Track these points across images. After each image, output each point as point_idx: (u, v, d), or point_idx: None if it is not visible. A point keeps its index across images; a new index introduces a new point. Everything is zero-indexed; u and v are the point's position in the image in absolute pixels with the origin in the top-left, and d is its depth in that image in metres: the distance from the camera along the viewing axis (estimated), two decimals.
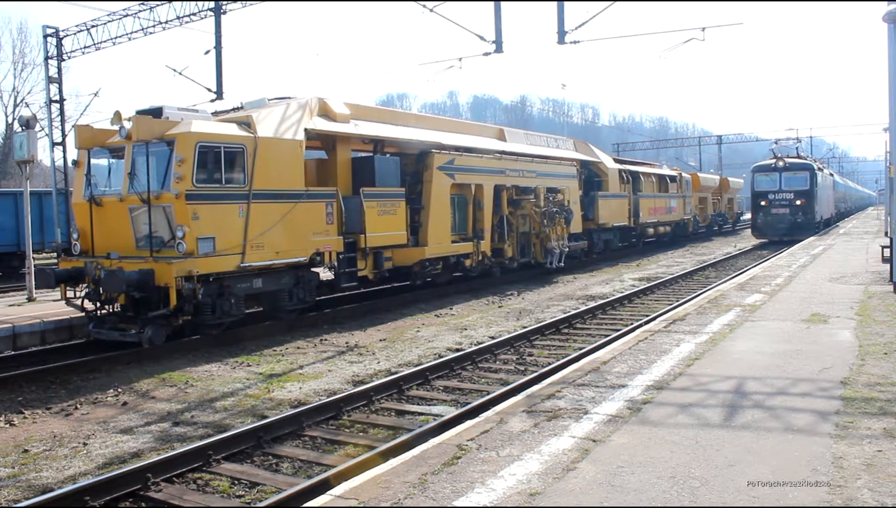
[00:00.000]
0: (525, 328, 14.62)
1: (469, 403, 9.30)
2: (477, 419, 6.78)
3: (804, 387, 7.41)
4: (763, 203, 37.19)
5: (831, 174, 52.40)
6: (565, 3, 16.85)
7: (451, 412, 8.96)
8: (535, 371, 10.95)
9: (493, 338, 13.83)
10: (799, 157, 40.46)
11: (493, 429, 6.37)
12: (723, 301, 13.66)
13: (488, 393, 9.74)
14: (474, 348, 12.64)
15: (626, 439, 5.99)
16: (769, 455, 5.50)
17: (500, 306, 18.41)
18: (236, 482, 7.18)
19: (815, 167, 38.26)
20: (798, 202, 36.32)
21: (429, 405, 9.74)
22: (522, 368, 11.63)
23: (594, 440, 5.96)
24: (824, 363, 8.45)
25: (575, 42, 17.06)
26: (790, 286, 15.47)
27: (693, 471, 5.24)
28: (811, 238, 33.83)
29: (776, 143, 42.30)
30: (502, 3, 17.06)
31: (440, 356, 12.39)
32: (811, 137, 73.16)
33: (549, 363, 11.52)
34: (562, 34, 16.87)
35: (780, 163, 37.10)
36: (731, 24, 21.60)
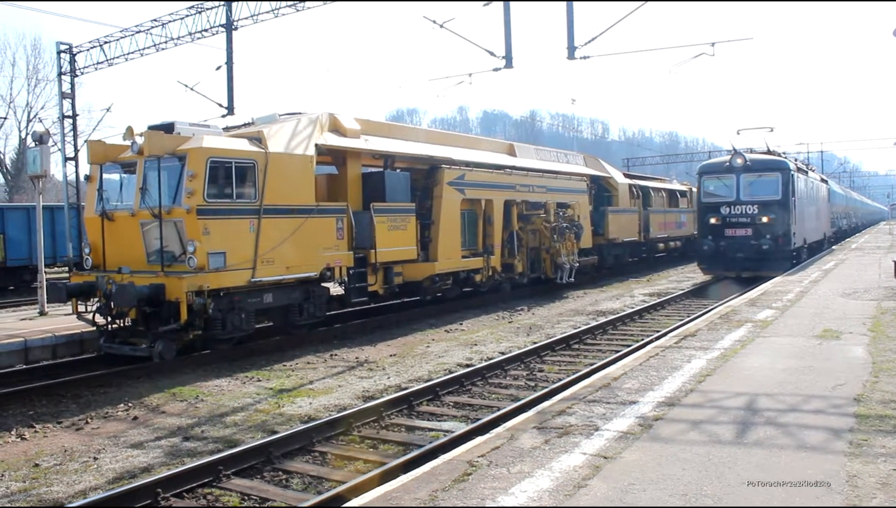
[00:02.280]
0: (535, 343, 14.58)
1: (479, 419, 9.27)
2: (487, 436, 6.75)
3: (817, 404, 7.35)
4: (713, 220, 24.81)
5: (824, 181, 38.62)
6: (575, 19, 16.87)
7: (461, 428, 8.93)
8: (546, 387, 10.91)
9: (503, 354, 13.79)
10: (769, 152, 27.56)
11: (504, 445, 6.34)
12: (734, 317, 13.60)
13: (499, 409, 9.70)
14: (484, 363, 12.61)
15: (637, 456, 5.95)
16: (782, 473, 5.45)
17: (510, 322, 18.36)
18: (246, 497, 7.16)
19: (793, 167, 25.73)
20: (764, 219, 24.01)
21: (439, 420, 9.71)
22: (533, 384, 11.59)
23: (605, 457, 5.92)
24: (837, 379, 8.38)
25: (585, 57, 17.07)
26: (802, 302, 15.39)
27: (705, 489, 5.20)
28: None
29: (738, 133, 29.50)
30: (512, 18, 17.10)
31: (450, 372, 12.36)
32: (822, 152, 73.06)
33: (560, 379, 11.48)
34: (572, 49, 16.89)
35: (739, 161, 24.59)
36: (740, 39, 21.79)
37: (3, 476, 8.00)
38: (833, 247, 38.92)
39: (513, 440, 6.51)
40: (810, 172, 32.27)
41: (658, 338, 13.59)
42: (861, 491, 5.06)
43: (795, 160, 29.55)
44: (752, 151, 27.19)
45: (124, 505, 6.82)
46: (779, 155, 27.41)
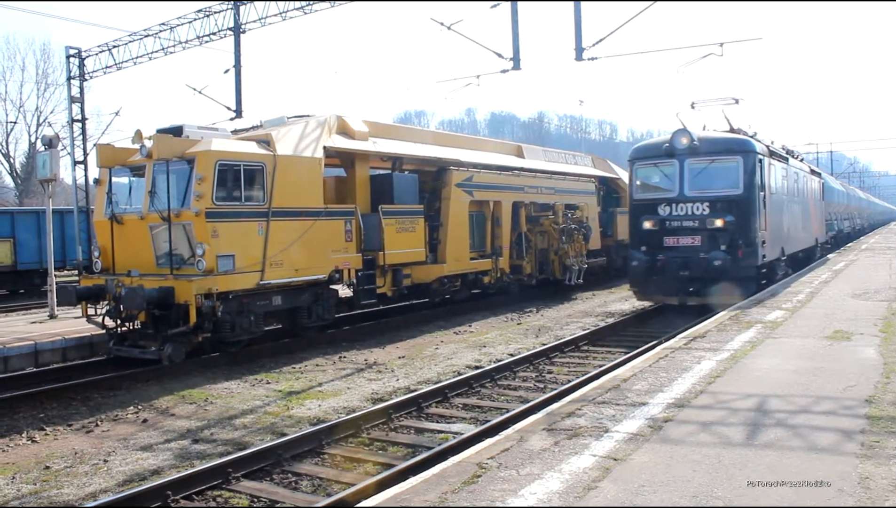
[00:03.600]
0: (544, 345, 14.56)
1: (489, 421, 9.26)
2: (497, 438, 6.73)
3: (828, 405, 7.31)
4: (647, 225, 17.92)
5: (815, 173, 30.57)
6: (583, 20, 16.84)
7: (470, 430, 8.92)
8: (555, 389, 10.89)
9: (512, 355, 13.78)
10: (732, 131, 19.98)
11: (514, 447, 6.33)
12: (743, 318, 13.54)
13: (508, 411, 9.69)
14: (493, 365, 12.60)
15: (647, 457, 5.93)
16: (793, 475, 5.42)
17: (518, 324, 18.34)
18: (256, 499, 7.17)
19: (762, 149, 18.61)
20: (717, 223, 17.13)
21: (448, 423, 9.70)
22: (542, 385, 11.58)
23: (615, 459, 5.90)
24: (848, 380, 8.33)
25: (593, 59, 17.03)
26: (812, 303, 15.31)
27: (716, 491, 5.17)
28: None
29: (693, 106, 20.75)
30: (520, 20, 17.10)
31: (459, 374, 12.36)
32: (831, 152, 72.80)
33: (569, 381, 11.46)
34: (579, 51, 16.85)
35: (683, 140, 17.56)
36: (749, 39, 21.51)
37: (14, 478, 8.03)
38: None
39: (522, 441, 6.50)
40: (793, 161, 23.99)
41: (667, 339, 13.54)
42: (873, 493, 5.03)
43: (772, 143, 22.19)
44: (703, 132, 18.88)
45: (135, 507, 6.84)
46: (744, 134, 19.56)
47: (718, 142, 18.09)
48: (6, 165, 58.44)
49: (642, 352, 12.66)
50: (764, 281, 18.47)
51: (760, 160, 17.93)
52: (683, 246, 17.33)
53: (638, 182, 18.61)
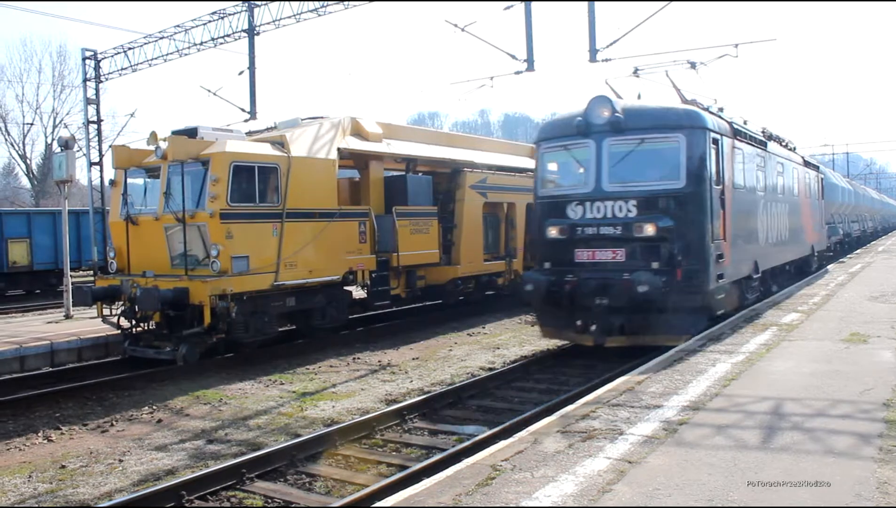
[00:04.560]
0: (559, 346, 14.51)
1: (502, 423, 9.24)
2: (511, 440, 6.72)
3: (844, 409, 7.25)
4: (553, 232, 12.90)
5: (811, 165, 24.42)
6: (597, 21, 16.81)
7: (484, 431, 8.91)
8: (569, 391, 10.86)
9: (525, 357, 13.75)
10: (687, 102, 14.16)
11: (528, 449, 6.31)
12: (758, 320, 13.46)
13: (522, 413, 9.67)
14: (507, 367, 12.58)
15: (662, 460, 5.90)
16: (810, 479, 5.38)
17: (533, 325, 18.31)
18: (270, 500, 7.19)
19: (716, 124, 13.12)
20: (648, 230, 12.00)
21: (462, 424, 9.69)
22: (556, 387, 11.54)
23: (630, 462, 5.88)
24: (865, 384, 8.27)
25: (607, 60, 16.98)
26: (828, 305, 15.20)
27: (731, 494, 5.14)
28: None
29: (636, 72, 15.89)
30: (534, 21, 17.08)
31: (473, 376, 12.35)
32: (847, 153, 72.28)
33: (583, 383, 11.42)
34: (593, 52, 16.81)
35: (603, 113, 12.50)
36: (764, 40, 21.33)
37: (30, 477, 8.08)
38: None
39: (536, 443, 6.48)
40: (775, 147, 18.14)
41: (682, 341, 13.48)
42: (892, 498, 4.98)
43: (745, 123, 16.33)
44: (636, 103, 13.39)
45: (150, 506, 6.87)
46: (695, 106, 13.81)
47: (650, 114, 12.53)
48: (23, 166, 58.92)
49: (657, 354, 12.58)
50: (720, 311, 13.44)
51: (716, 141, 12.70)
52: (601, 262, 12.25)
53: (544, 173, 13.58)
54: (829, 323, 12.77)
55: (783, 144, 20.07)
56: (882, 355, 9.93)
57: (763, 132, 17.84)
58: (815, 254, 23.67)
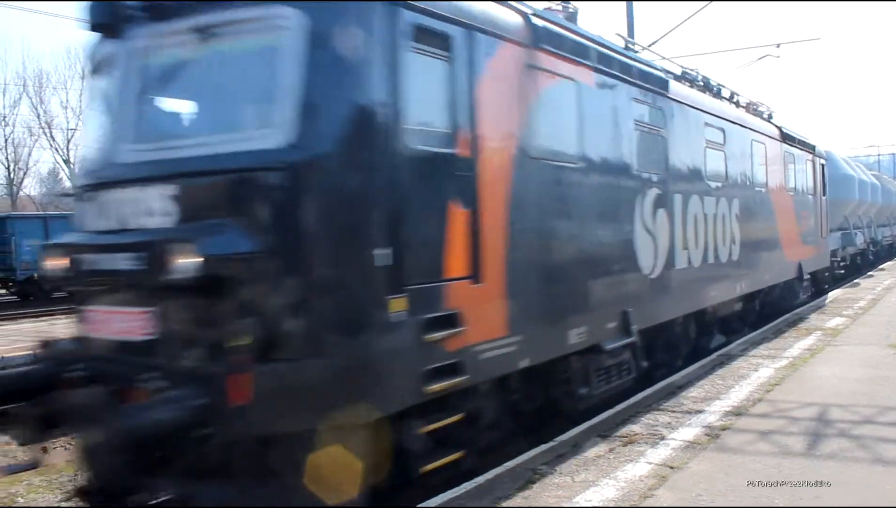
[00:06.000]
0: None
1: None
2: (551, 443, 6.68)
3: (893, 416, 7.10)
4: (48, 262, 5.38)
5: (805, 145, 16.77)
6: (635, 22, 16.75)
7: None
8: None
9: None
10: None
11: (568, 453, 6.28)
12: (802, 325, 13.25)
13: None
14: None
15: (704, 466, 5.83)
16: (858, 488, 5.28)
17: None
18: None
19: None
20: (182, 269, 4.49)
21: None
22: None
23: (671, 467, 5.82)
24: None
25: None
26: (874, 310, 14.91)
27: (776, 501, 5.06)
28: None
29: None
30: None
31: None
32: (893, 154, 70.73)
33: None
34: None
35: None
36: (807, 39, 20.87)
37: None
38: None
39: (577, 448, 6.45)
40: (682, 88, 10.38)
41: (723, 346, 13.31)
42: None
43: (624, 43, 10.46)
44: None
45: None
46: None
47: None
48: (67, 170, 60.07)
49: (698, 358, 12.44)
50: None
51: (444, 38, 5.48)
52: (113, 340, 5.26)
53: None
54: (876, 328, 12.50)
55: (733, 100, 13.13)
56: None
57: (690, 76, 11.41)
58: (807, 276, 16.28)
